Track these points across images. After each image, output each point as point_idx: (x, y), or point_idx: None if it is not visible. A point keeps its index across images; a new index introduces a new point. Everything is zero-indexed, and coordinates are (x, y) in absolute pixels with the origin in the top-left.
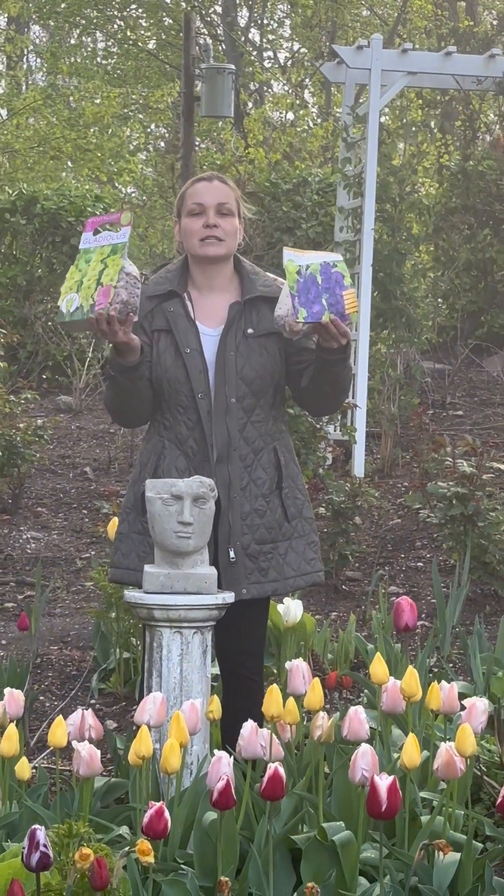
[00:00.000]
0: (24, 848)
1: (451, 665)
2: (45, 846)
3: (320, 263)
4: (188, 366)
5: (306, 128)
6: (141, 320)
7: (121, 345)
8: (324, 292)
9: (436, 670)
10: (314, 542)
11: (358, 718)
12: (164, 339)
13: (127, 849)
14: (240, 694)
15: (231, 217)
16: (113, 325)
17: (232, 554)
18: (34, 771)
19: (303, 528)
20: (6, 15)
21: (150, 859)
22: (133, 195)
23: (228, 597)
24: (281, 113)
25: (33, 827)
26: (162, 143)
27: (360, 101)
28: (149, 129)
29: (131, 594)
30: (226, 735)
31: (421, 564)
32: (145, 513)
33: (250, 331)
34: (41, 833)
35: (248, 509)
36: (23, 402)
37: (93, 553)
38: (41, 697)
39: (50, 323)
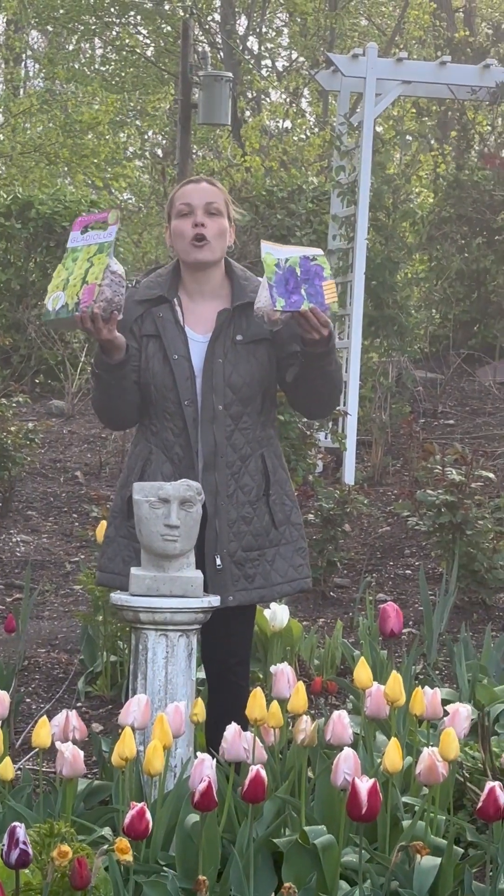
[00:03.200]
0: (3, 845)
1: (437, 672)
2: (24, 843)
3: (300, 257)
4: (175, 372)
5: (303, 136)
6: (130, 324)
7: (105, 342)
8: (303, 283)
9: (422, 677)
10: (302, 549)
11: (341, 723)
12: (152, 345)
13: (105, 847)
14: (226, 698)
15: (220, 217)
16: (97, 323)
17: (218, 561)
18: (18, 772)
19: (291, 535)
20: (5, 18)
21: (129, 858)
22: (129, 201)
23: (214, 600)
24: (278, 122)
25: (13, 824)
26: (159, 151)
27: (357, 109)
28: (146, 136)
29: (117, 596)
30: (211, 739)
31: (409, 572)
32: (132, 517)
33: (239, 337)
34: (20, 830)
35: (234, 516)
36: (14, 405)
37: (82, 557)
38: (27, 700)
39: (43, 327)
